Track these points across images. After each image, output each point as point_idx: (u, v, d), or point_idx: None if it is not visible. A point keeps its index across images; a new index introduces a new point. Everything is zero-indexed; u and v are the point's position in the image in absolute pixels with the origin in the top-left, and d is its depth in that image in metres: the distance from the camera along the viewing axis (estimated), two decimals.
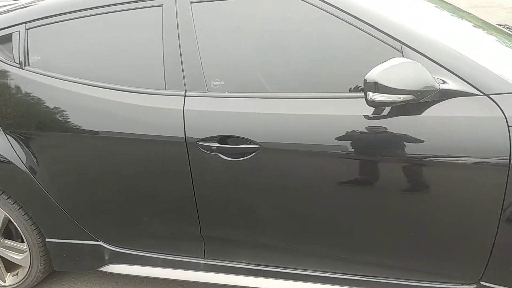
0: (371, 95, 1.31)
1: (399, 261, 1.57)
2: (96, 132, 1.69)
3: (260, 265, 1.71)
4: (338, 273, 1.62)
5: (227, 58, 1.64)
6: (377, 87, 1.29)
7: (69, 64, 1.76)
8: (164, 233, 1.80)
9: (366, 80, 1.30)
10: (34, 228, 1.93)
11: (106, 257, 1.89)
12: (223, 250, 1.75)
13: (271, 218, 1.63)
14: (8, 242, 2.02)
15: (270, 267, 1.70)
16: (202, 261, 1.78)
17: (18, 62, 1.78)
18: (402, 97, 1.32)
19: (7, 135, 1.78)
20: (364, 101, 1.34)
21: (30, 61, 1.78)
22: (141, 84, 1.67)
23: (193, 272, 1.79)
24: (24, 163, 1.78)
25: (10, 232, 2.04)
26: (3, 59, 1.79)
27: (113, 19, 1.73)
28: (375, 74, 1.29)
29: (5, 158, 1.78)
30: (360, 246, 1.58)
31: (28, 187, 1.81)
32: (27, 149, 1.78)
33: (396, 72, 1.31)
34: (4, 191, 1.88)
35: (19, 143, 1.78)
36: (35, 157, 1.78)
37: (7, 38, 1.81)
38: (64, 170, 1.78)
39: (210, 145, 1.55)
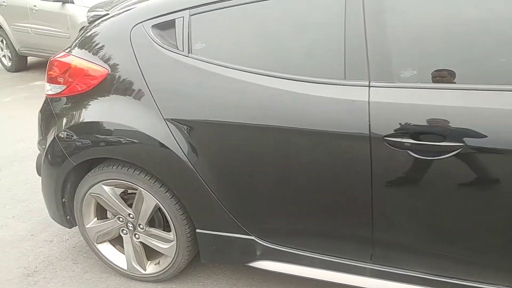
0: None
1: None
2: (261, 123, 1.65)
3: (437, 275, 1.61)
4: None
5: (422, 44, 1.51)
6: None
7: (233, 52, 1.74)
8: (327, 233, 1.73)
9: None
10: (184, 218, 1.95)
11: (258, 253, 1.86)
12: (394, 255, 1.66)
13: (462, 228, 1.51)
14: (154, 231, 2.07)
15: (451, 278, 1.59)
16: (368, 266, 1.70)
17: (181, 49, 1.79)
18: None
19: (168, 122, 1.80)
20: None
21: (193, 48, 1.79)
22: (315, 73, 1.61)
23: (356, 276, 1.72)
24: (184, 151, 1.79)
25: (153, 221, 2.10)
26: (165, 46, 1.82)
27: (282, 2, 1.69)
28: None
29: (165, 146, 1.80)
30: None
31: (186, 176, 1.82)
32: (188, 138, 1.78)
33: None
34: (157, 179, 1.91)
35: (180, 131, 1.79)
36: (195, 146, 1.78)
37: (170, 25, 1.83)
38: (224, 161, 1.77)
39: (402, 141, 1.46)
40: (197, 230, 1.93)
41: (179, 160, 1.80)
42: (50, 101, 2.11)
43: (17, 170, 3.61)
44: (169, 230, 2.03)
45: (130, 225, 2.09)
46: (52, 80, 2.07)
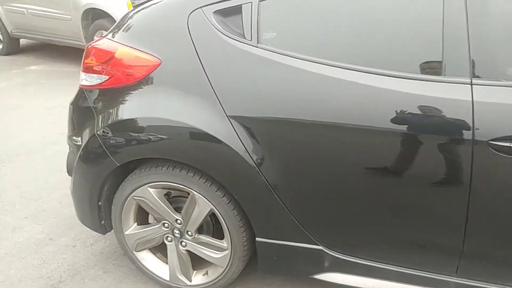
0: None
1: None
2: (347, 123, 1.51)
3: None
4: None
5: None
6: None
7: (313, 43, 1.59)
8: (408, 243, 1.61)
9: None
10: (241, 225, 1.80)
11: (326, 264, 1.73)
12: (482, 268, 1.56)
13: None
14: (205, 238, 1.91)
15: None
16: (453, 279, 1.58)
17: (249, 39, 1.63)
18: None
19: (232, 120, 1.64)
20: None
21: (263, 37, 1.63)
22: (406, 68, 1.48)
23: None
24: (250, 152, 1.63)
25: (201, 227, 1.94)
26: (230, 34, 1.66)
27: None
28: None
29: (228, 146, 1.64)
30: None
31: (251, 180, 1.66)
32: (254, 137, 1.62)
33: None
34: (213, 182, 1.75)
35: (245, 130, 1.63)
36: (263, 147, 1.62)
37: (235, 11, 1.66)
38: (296, 163, 1.61)
39: (510, 145, 1.35)
40: (257, 239, 1.78)
41: (243, 161, 1.65)
42: (86, 92, 1.93)
43: (23, 164, 3.39)
44: (221, 238, 1.88)
45: (176, 231, 1.93)
46: (89, 69, 1.89)
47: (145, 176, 1.84)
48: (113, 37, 1.87)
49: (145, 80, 1.76)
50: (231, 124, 1.65)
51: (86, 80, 1.92)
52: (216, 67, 1.66)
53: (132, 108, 1.79)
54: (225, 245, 1.86)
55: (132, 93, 1.79)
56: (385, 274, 1.67)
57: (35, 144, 3.74)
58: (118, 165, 1.83)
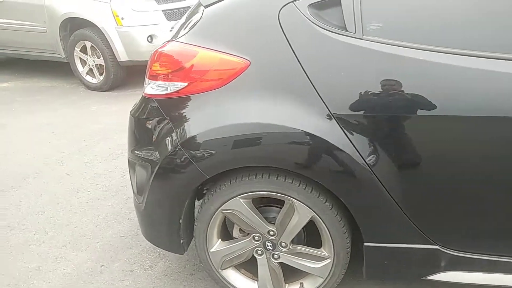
0: None
1: None
2: (471, 115, 1.45)
3: None
4: None
5: None
6: None
7: (426, 31, 1.53)
8: None
9: None
10: (345, 231, 1.73)
11: (442, 264, 1.68)
12: None
13: None
14: (302, 248, 1.82)
15: None
16: None
17: (353, 31, 1.56)
18: None
19: (337, 118, 1.55)
20: None
21: (367, 28, 1.57)
22: None
23: None
24: (361, 153, 1.55)
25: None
26: (329, 28, 1.57)
27: None
28: None
29: (336, 147, 1.56)
30: None
31: (362, 181, 1.58)
32: (365, 136, 1.55)
33: None
34: (313, 188, 1.67)
35: (353, 128, 1.55)
36: (376, 146, 1.55)
37: (333, 3, 1.58)
38: (413, 161, 1.56)
39: None
40: (366, 244, 1.71)
41: (354, 163, 1.57)
42: (157, 102, 1.79)
43: (35, 188, 3.16)
44: (315, 246, 1.81)
45: (268, 244, 1.83)
46: (160, 77, 1.75)
47: (237, 186, 1.73)
48: (188, 38, 1.75)
49: (233, 84, 1.66)
50: (338, 123, 1.57)
51: (155, 88, 1.78)
52: (316, 63, 1.58)
53: (220, 115, 1.67)
54: (326, 253, 1.78)
55: (218, 99, 1.67)
56: (506, 267, 1.65)
57: (39, 164, 3.52)
58: (208, 177, 1.71)
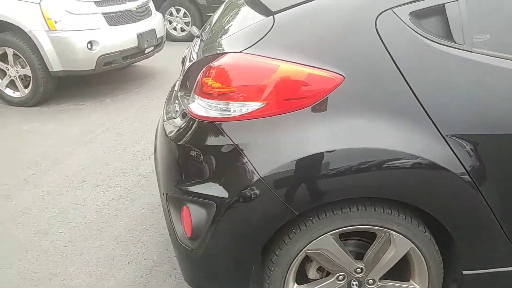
0: None
1: None
2: None
3: None
4: None
5: None
6: None
7: None
8: None
9: None
10: (441, 261, 1.62)
11: None
12: None
13: None
14: (393, 284, 1.67)
15: None
16: None
17: (461, 43, 1.45)
18: None
19: (448, 140, 1.44)
20: None
21: (474, 40, 1.47)
22: None
23: None
24: (473, 177, 1.45)
25: None
26: (435, 39, 1.44)
27: None
28: None
29: (449, 171, 1.44)
30: None
31: (472, 208, 1.49)
32: (476, 158, 1.46)
33: None
34: (413, 218, 1.53)
35: (465, 150, 1.44)
36: (488, 169, 1.47)
37: (437, 11, 1.45)
38: None
39: None
40: (465, 272, 1.61)
41: (465, 188, 1.46)
42: (221, 126, 1.51)
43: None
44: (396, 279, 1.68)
45: (354, 283, 1.64)
46: (221, 96, 1.49)
47: (329, 222, 1.52)
48: (254, 51, 1.50)
49: (323, 103, 1.45)
50: (449, 145, 1.45)
51: (211, 109, 1.51)
52: (425, 78, 1.44)
53: (310, 140, 1.45)
54: (417, 286, 1.65)
55: (305, 122, 1.45)
56: None
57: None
58: (297, 214, 1.48)
